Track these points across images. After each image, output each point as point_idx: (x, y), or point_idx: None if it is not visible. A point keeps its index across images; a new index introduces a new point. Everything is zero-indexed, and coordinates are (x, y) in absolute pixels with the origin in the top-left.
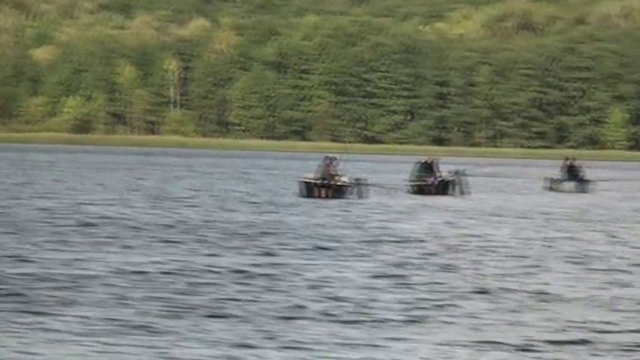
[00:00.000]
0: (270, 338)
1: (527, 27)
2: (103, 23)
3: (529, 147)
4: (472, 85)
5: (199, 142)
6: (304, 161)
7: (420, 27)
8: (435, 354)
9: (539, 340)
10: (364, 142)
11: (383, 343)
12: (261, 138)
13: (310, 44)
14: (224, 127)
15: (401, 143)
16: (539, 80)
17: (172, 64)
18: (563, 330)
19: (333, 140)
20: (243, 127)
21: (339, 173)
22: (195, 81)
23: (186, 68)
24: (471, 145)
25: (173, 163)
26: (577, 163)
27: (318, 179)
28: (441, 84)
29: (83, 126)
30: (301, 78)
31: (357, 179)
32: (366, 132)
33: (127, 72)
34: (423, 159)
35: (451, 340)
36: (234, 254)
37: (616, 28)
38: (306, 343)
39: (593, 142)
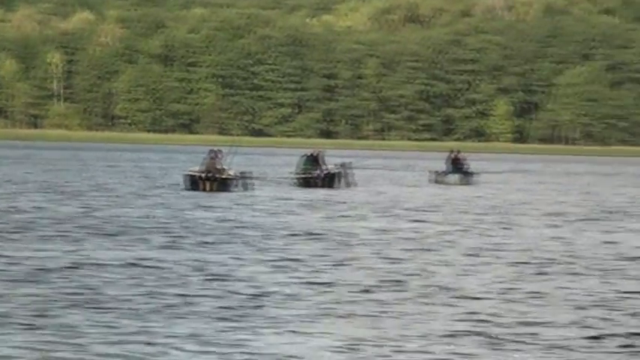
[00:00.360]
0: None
1: (413, 19)
2: None
3: (416, 139)
4: (360, 77)
5: (84, 135)
6: (192, 154)
7: (308, 19)
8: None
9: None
10: (252, 135)
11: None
12: (148, 131)
13: (197, 37)
14: (109, 121)
15: (289, 136)
16: (425, 73)
17: (55, 57)
18: (459, 321)
19: (220, 133)
20: (129, 121)
21: (224, 166)
22: (80, 74)
23: (70, 61)
24: (359, 138)
25: (59, 157)
26: (461, 155)
27: (202, 172)
28: (329, 77)
29: None
30: (188, 71)
31: (242, 172)
32: (253, 125)
33: (7, 65)
34: (309, 152)
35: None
36: (101, 248)
37: (500, 20)
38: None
39: (479, 135)
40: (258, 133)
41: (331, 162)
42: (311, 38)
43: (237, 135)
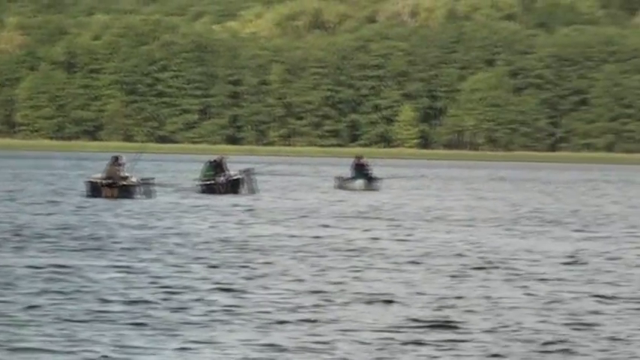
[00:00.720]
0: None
1: (318, 25)
2: None
3: (322, 145)
4: (265, 83)
5: None
6: (97, 161)
7: (212, 26)
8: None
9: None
10: (158, 141)
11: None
12: (51, 138)
13: (100, 43)
14: (11, 128)
15: (195, 142)
16: (331, 79)
17: None
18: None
19: (125, 140)
20: (31, 128)
21: (126, 173)
22: None
23: None
24: (265, 144)
25: None
26: (364, 161)
27: (104, 179)
28: (234, 83)
29: None
30: (91, 77)
31: (144, 179)
32: (159, 131)
33: None
34: (212, 158)
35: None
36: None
37: (405, 26)
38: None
39: (385, 140)
40: (164, 139)
41: (237, 168)
42: (216, 44)
43: (143, 141)
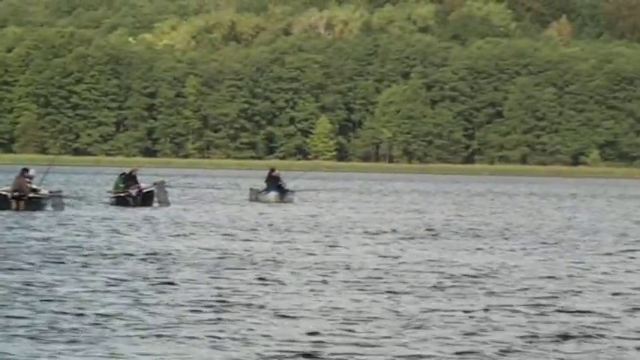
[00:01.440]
0: None
1: (234, 38)
2: None
3: (239, 158)
4: (181, 96)
5: None
6: (11, 174)
7: (128, 38)
8: None
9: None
10: (73, 154)
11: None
12: None
13: (13, 55)
14: None
15: (110, 155)
16: (247, 91)
17: None
18: (285, 341)
19: (40, 152)
20: None
21: (34, 185)
22: None
23: None
24: (182, 157)
25: None
26: (277, 173)
27: (11, 191)
28: (150, 95)
29: None
30: (5, 90)
31: (52, 191)
32: (74, 144)
33: None
34: (125, 170)
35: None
36: None
37: (320, 38)
38: None
39: (302, 153)
40: (80, 152)
41: (152, 180)
42: (131, 57)
43: (58, 154)
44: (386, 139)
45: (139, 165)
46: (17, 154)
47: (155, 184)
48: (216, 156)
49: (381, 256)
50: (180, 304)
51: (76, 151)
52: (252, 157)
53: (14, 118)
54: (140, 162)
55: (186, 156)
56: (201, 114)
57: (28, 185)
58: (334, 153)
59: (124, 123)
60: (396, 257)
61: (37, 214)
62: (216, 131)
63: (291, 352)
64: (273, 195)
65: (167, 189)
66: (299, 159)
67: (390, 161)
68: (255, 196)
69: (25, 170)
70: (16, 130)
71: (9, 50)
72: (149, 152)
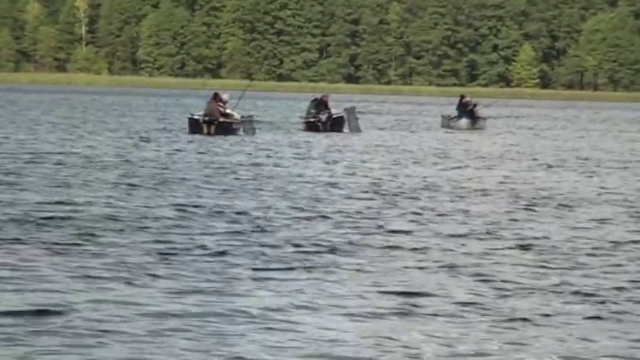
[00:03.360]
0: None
1: None
2: None
3: (441, 85)
4: (384, 22)
5: (109, 79)
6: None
7: None
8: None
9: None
10: (277, 79)
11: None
12: (175, 75)
13: None
14: (134, 65)
15: (313, 81)
16: (450, 18)
17: (81, 1)
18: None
19: (246, 78)
20: (154, 65)
21: (228, 110)
22: (104, 18)
23: (94, 5)
24: (385, 83)
25: (84, 101)
26: (468, 100)
27: (204, 116)
28: (353, 22)
29: None
30: (212, 15)
31: (244, 116)
32: (278, 69)
33: (32, 9)
34: (316, 96)
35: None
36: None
37: None
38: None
39: (504, 80)
40: (284, 77)
41: (341, 106)
42: None
43: (263, 79)
44: (591, 67)
45: (342, 92)
46: (224, 79)
47: (346, 109)
48: (418, 83)
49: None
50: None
51: (280, 77)
52: (454, 85)
53: (221, 44)
54: (342, 88)
55: (388, 83)
56: (403, 41)
57: (221, 110)
58: (537, 81)
59: (327, 49)
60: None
61: (229, 137)
62: (418, 58)
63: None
64: (464, 122)
65: (358, 115)
66: (501, 86)
67: (595, 89)
68: (446, 122)
69: (217, 95)
70: (223, 56)
71: None
72: (352, 79)
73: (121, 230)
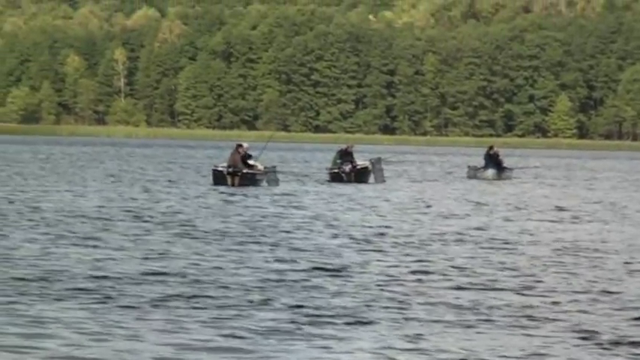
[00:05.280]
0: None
1: (473, 15)
2: (48, 13)
3: (477, 135)
4: (420, 73)
5: (147, 132)
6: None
7: (368, 16)
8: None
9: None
10: (313, 131)
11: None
12: (213, 128)
13: (257, 33)
14: (172, 117)
15: (349, 132)
16: (485, 68)
17: (119, 54)
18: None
19: (282, 129)
20: (191, 117)
21: (250, 161)
22: (142, 70)
23: (133, 58)
24: (421, 134)
25: (128, 154)
26: (496, 150)
27: (227, 167)
28: (389, 72)
29: (30, 116)
30: (248, 67)
31: (268, 167)
32: (315, 121)
33: (72, 62)
34: (343, 146)
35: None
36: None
37: (560, 16)
38: None
39: (541, 131)
40: (320, 129)
41: (364, 157)
42: (371, 34)
43: (299, 131)
44: (629, 117)
45: (378, 142)
46: (260, 131)
47: (371, 160)
48: (454, 134)
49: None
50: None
51: (317, 129)
52: (490, 135)
53: (257, 95)
54: (379, 139)
55: (424, 134)
56: (439, 91)
57: (243, 161)
58: (574, 131)
59: (364, 100)
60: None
61: (252, 189)
62: (454, 109)
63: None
64: (490, 172)
65: (384, 166)
66: (538, 137)
67: (634, 139)
68: (473, 173)
69: (239, 145)
70: (259, 108)
71: (253, 27)
72: (387, 129)
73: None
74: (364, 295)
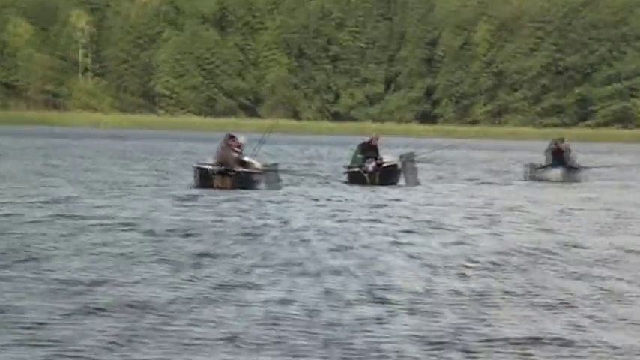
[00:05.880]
0: None
1: None
2: None
3: (541, 125)
4: (468, 46)
5: (117, 119)
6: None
7: None
8: None
9: None
10: (332, 119)
11: None
12: (200, 115)
13: None
14: (149, 101)
15: (378, 121)
16: (553, 40)
17: (81, 20)
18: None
19: (292, 117)
20: (173, 101)
21: (246, 157)
22: (112, 41)
23: (99, 25)
24: (469, 123)
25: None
26: (564, 145)
27: (216, 165)
28: (429, 44)
29: None
30: (248, 37)
31: (267, 165)
32: (333, 107)
33: (21, 30)
34: (367, 139)
35: None
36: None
37: None
38: None
39: (624, 120)
40: (340, 116)
41: (397, 152)
42: None
43: (313, 119)
44: None
45: (414, 134)
46: (263, 119)
47: (402, 157)
48: (511, 123)
49: None
50: None
51: (336, 116)
52: (558, 125)
53: (260, 74)
54: (415, 130)
55: (473, 123)
56: (493, 69)
57: (235, 157)
58: None
59: (396, 80)
60: None
61: (245, 193)
62: (512, 91)
63: None
64: (555, 172)
65: (418, 164)
66: (619, 128)
67: None
68: (532, 173)
69: (232, 137)
70: (262, 89)
71: None
72: (427, 117)
73: None
74: None
